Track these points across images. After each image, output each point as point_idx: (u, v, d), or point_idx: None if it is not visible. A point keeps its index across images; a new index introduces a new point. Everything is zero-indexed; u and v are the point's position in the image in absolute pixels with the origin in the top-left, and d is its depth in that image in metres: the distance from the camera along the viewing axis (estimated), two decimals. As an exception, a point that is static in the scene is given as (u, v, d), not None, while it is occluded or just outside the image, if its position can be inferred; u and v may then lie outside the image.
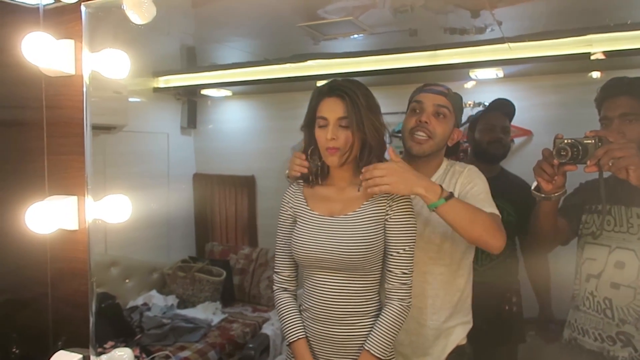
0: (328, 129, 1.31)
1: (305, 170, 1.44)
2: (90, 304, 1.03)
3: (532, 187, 1.47)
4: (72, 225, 0.99)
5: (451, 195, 1.29)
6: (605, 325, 1.43)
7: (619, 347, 1.40)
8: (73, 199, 0.99)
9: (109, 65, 1.01)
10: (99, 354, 1.10)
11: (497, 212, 1.43)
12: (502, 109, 2.15)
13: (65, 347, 1.05)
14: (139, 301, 3.32)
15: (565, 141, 1.33)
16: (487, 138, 2.12)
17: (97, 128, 3.20)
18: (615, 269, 1.42)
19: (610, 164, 1.23)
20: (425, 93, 1.54)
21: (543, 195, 1.43)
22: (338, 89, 1.33)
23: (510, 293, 2.14)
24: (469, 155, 2.32)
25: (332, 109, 1.32)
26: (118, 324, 2.26)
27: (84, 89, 0.98)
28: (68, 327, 1.06)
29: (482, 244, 1.35)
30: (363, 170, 1.29)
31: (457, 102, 1.56)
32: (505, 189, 1.88)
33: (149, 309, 3.21)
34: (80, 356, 1.03)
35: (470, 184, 1.48)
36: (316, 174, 1.42)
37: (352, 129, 1.30)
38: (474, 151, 2.21)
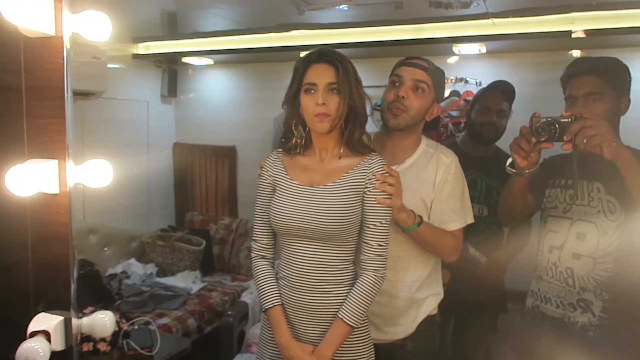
0: (317, 95, 1.30)
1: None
2: (72, 267, 1.03)
3: (507, 164, 1.51)
4: (53, 188, 0.98)
5: (422, 221, 1.45)
6: (567, 293, 1.50)
7: (578, 313, 1.47)
8: (53, 163, 0.98)
9: (90, 27, 0.99)
10: (80, 318, 1.12)
11: (462, 223, 1.54)
12: (501, 90, 2.13)
13: (46, 310, 1.06)
14: (118, 269, 3.32)
15: (543, 120, 1.36)
16: (480, 120, 2.13)
17: (74, 94, 3.14)
18: (577, 241, 1.48)
19: (585, 142, 1.27)
20: (405, 67, 1.53)
21: (517, 171, 1.46)
22: (328, 55, 1.32)
23: (493, 264, 2.21)
24: (464, 133, 2.33)
25: (322, 75, 1.31)
26: (97, 291, 2.27)
27: (65, 51, 0.96)
28: (49, 291, 1.07)
29: (439, 257, 1.59)
30: (377, 175, 1.34)
31: (437, 77, 1.56)
32: (498, 169, 1.92)
33: (128, 277, 3.22)
34: (62, 318, 1.04)
35: (449, 185, 1.52)
36: (300, 145, 1.42)
37: (344, 95, 1.30)
38: (469, 130, 2.23)
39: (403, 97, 1.49)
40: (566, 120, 1.33)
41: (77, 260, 2.48)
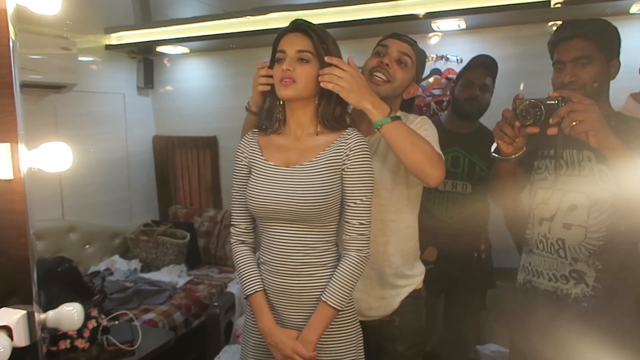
0: (285, 61, 1.26)
1: (272, 81, 1.36)
2: (32, 258, 0.97)
3: (492, 150, 1.46)
4: (6, 174, 0.91)
5: (398, 117, 1.30)
6: (559, 265, 1.45)
7: (572, 284, 1.43)
8: (4, 146, 0.91)
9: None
10: (45, 310, 1.05)
11: (441, 153, 1.41)
12: (483, 65, 2.10)
13: (8, 304, 0.99)
14: (101, 267, 3.25)
15: (527, 102, 1.28)
16: (464, 95, 2.10)
17: (46, 87, 3.08)
18: (568, 211, 1.43)
19: (572, 126, 1.21)
20: (392, 39, 1.52)
21: (503, 157, 1.42)
22: (302, 25, 1.28)
23: (479, 241, 2.19)
24: (448, 110, 2.30)
25: (292, 42, 1.27)
26: (76, 288, 2.19)
27: (9, 24, 0.88)
28: (10, 283, 1.00)
29: (422, 173, 1.33)
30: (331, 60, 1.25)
31: (420, 56, 1.55)
32: (481, 145, 1.88)
33: (111, 274, 3.15)
34: (24, 312, 0.97)
35: (420, 128, 1.47)
36: (277, 119, 1.37)
37: (317, 66, 1.26)
38: (453, 106, 2.19)
39: (387, 64, 1.47)
40: (553, 102, 1.26)
41: (54, 258, 2.40)
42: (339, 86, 1.24)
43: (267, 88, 1.37)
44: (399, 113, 1.55)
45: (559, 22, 1.59)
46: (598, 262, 1.40)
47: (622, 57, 1.46)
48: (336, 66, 1.25)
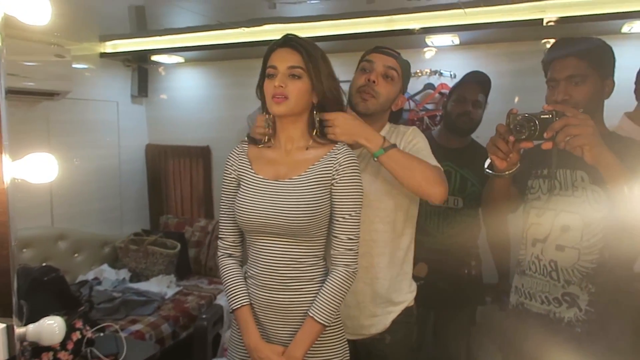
0: (276, 78, 1.26)
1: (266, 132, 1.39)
2: (13, 270, 0.95)
3: (485, 165, 1.44)
4: (-12, 184, 0.90)
5: (393, 145, 1.34)
6: (552, 288, 1.43)
7: (564, 308, 1.40)
8: (-13, 157, 0.90)
9: (23, 8, 0.91)
10: (28, 322, 1.03)
11: (439, 166, 1.43)
12: (476, 81, 2.11)
13: (-12, 318, 0.97)
14: (90, 276, 3.20)
15: (521, 116, 1.26)
16: (457, 110, 2.10)
17: (38, 94, 3.06)
18: (561, 232, 1.41)
19: (566, 141, 1.19)
20: (376, 53, 1.53)
21: (496, 173, 1.40)
22: (293, 41, 1.28)
23: (470, 257, 2.18)
24: (440, 125, 2.30)
25: (284, 58, 1.27)
26: (63, 298, 2.16)
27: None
28: (-10, 296, 0.98)
29: (423, 193, 1.37)
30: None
31: (405, 68, 1.56)
32: (473, 160, 1.88)
33: (99, 284, 3.11)
34: (4, 325, 0.95)
35: (412, 141, 1.49)
36: (268, 135, 1.37)
37: (308, 82, 1.26)
38: (445, 121, 2.20)
39: (374, 81, 1.47)
40: (547, 116, 1.24)
41: (41, 267, 2.36)
42: (331, 134, 1.32)
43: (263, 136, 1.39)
44: (387, 126, 1.56)
45: (552, 40, 1.59)
46: (591, 286, 1.37)
47: (616, 76, 1.46)
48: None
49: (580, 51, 1.39)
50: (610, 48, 1.43)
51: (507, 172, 1.37)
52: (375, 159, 1.34)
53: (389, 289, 1.52)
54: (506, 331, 1.59)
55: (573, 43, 1.44)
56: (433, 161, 1.43)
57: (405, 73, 1.56)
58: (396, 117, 1.63)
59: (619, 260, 1.36)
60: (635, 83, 1.76)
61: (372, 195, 1.45)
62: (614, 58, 1.43)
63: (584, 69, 1.37)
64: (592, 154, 1.17)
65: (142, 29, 3.29)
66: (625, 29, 2.39)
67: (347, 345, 1.39)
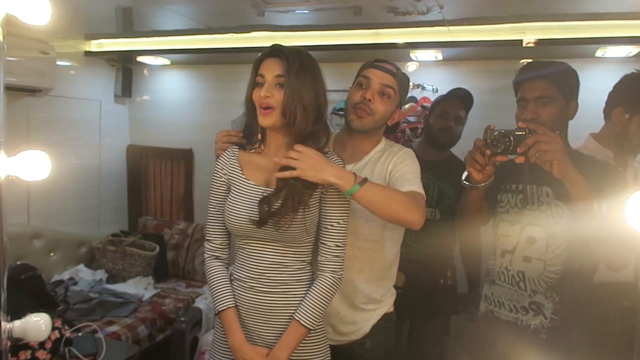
0: (263, 87, 1.28)
1: (234, 139, 1.43)
2: (3, 264, 0.96)
3: (463, 178, 1.52)
4: (-17, 181, 0.91)
5: (365, 180, 1.27)
6: (519, 297, 1.51)
7: (531, 316, 1.49)
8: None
9: (25, 8, 0.93)
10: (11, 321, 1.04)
11: (421, 191, 1.42)
12: (459, 98, 2.18)
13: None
14: (65, 275, 3.16)
15: (497, 132, 1.36)
16: (438, 125, 2.16)
17: (20, 90, 3.02)
18: (527, 244, 1.50)
19: (537, 156, 1.29)
20: (374, 69, 1.52)
21: (472, 184, 1.47)
22: (279, 50, 1.30)
23: (446, 267, 2.24)
24: (421, 138, 2.36)
25: (271, 67, 1.29)
26: (39, 297, 2.14)
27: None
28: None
29: (402, 222, 1.36)
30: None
31: (403, 83, 1.55)
32: (450, 174, 1.94)
33: (75, 284, 3.07)
34: (-9, 321, 0.96)
35: (402, 163, 1.49)
36: (255, 140, 1.39)
37: (290, 90, 1.26)
38: (426, 134, 2.25)
39: (369, 99, 1.47)
40: (521, 132, 1.34)
41: (18, 265, 2.34)
42: (296, 168, 1.24)
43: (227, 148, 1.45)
44: (382, 143, 1.57)
45: (529, 60, 1.68)
46: (555, 295, 1.46)
47: (588, 98, 1.55)
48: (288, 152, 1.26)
49: (549, 74, 1.49)
50: (575, 72, 1.52)
51: (482, 184, 1.46)
52: (350, 196, 1.27)
53: (368, 298, 1.55)
54: (476, 337, 1.67)
55: (542, 66, 1.54)
56: (417, 186, 1.42)
57: (403, 88, 1.55)
58: (392, 130, 1.64)
59: (580, 272, 1.45)
60: (606, 103, 1.86)
61: (356, 211, 1.46)
62: (578, 82, 1.52)
63: (551, 91, 1.46)
64: (559, 169, 1.27)
65: (129, 30, 3.28)
66: (599, 53, 2.51)
67: (328, 349, 1.43)
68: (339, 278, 1.35)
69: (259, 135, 1.39)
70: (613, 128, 1.79)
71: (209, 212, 1.42)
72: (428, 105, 2.96)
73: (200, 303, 2.84)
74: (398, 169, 1.48)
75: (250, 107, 1.36)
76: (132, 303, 2.93)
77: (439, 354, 2.33)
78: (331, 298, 1.34)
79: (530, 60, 1.64)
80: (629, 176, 1.70)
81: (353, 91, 1.53)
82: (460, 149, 2.14)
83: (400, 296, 1.74)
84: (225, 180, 1.40)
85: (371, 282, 1.55)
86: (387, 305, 1.60)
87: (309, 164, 1.23)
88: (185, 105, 3.80)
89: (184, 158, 3.82)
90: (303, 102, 1.27)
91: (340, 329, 1.55)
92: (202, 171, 3.77)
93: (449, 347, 2.43)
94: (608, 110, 1.82)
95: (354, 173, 1.29)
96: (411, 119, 3.11)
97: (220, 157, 1.43)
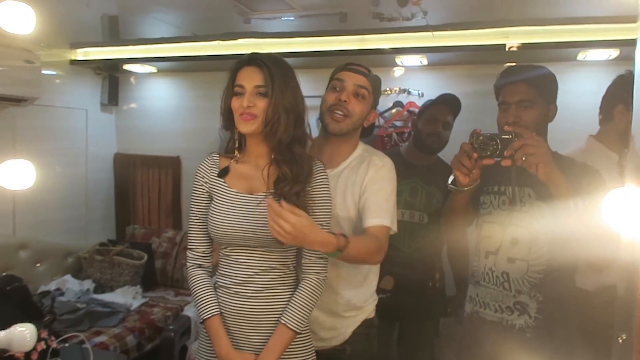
0: (244, 97, 1.28)
1: None
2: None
3: (449, 181, 1.54)
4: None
5: (346, 240, 1.26)
6: (504, 297, 1.53)
7: (516, 315, 1.51)
8: (-34, 162, 0.91)
9: (9, 18, 0.93)
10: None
11: (387, 222, 1.45)
12: (448, 103, 2.20)
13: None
14: (52, 286, 3.12)
15: (483, 136, 1.38)
16: (427, 130, 2.17)
17: (5, 99, 2.99)
18: (511, 245, 1.52)
19: (523, 159, 1.32)
20: (347, 72, 1.55)
21: (459, 188, 1.49)
22: (258, 59, 1.30)
23: (434, 270, 2.26)
24: (409, 142, 2.38)
25: (250, 77, 1.29)
26: (26, 308, 2.10)
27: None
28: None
29: (364, 263, 1.52)
30: (273, 206, 1.15)
31: (376, 84, 1.58)
32: (438, 177, 1.95)
33: (62, 294, 3.03)
34: (-27, 333, 0.95)
35: (376, 184, 1.49)
36: (236, 149, 1.40)
37: (272, 99, 1.27)
38: (414, 139, 2.27)
39: (345, 100, 1.49)
40: (507, 136, 1.37)
41: (3, 276, 2.31)
42: (285, 238, 1.16)
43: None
44: (360, 148, 1.58)
45: (513, 64, 1.71)
46: (539, 294, 1.48)
47: (569, 100, 1.58)
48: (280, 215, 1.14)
49: (529, 78, 1.51)
50: (554, 76, 1.56)
51: (467, 188, 1.48)
52: (334, 257, 1.30)
53: (347, 305, 1.56)
54: (462, 338, 1.69)
55: (522, 70, 1.56)
56: (384, 217, 1.44)
57: (376, 89, 1.58)
58: (367, 133, 1.66)
59: (563, 271, 1.48)
60: (602, 104, 1.88)
61: (336, 218, 1.47)
62: (556, 85, 1.55)
63: (532, 95, 1.49)
64: (544, 171, 1.30)
65: (115, 38, 3.27)
66: (580, 56, 2.55)
67: (314, 353, 1.43)
68: (323, 280, 1.36)
69: (236, 142, 1.39)
70: (617, 126, 1.81)
71: (191, 221, 1.42)
72: (414, 109, 2.99)
73: (189, 311, 2.82)
74: (373, 190, 1.48)
75: (227, 114, 1.35)
76: (120, 312, 2.90)
77: (429, 357, 2.34)
78: (317, 300, 1.35)
79: (512, 64, 1.66)
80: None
81: (327, 95, 1.55)
82: (446, 153, 2.16)
83: (390, 299, 1.75)
84: (206, 189, 1.40)
85: (351, 287, 1.56)
86: (367, 311, 1.60)
87: (298, 238, 1.16)
88: (173, 112, 3.79)
89: (171, 166, 3.81)
90: (286, 111, 1.29)
91: (320, 335, 1.55)
92: (190, 179, 3.69)
93: (438, 350, 2.44)
94: (608, 110, 1.85)
95: (334, 233, 1.26)
96: (398, 123, 3.13)
97: (199, 166, 1.43)
